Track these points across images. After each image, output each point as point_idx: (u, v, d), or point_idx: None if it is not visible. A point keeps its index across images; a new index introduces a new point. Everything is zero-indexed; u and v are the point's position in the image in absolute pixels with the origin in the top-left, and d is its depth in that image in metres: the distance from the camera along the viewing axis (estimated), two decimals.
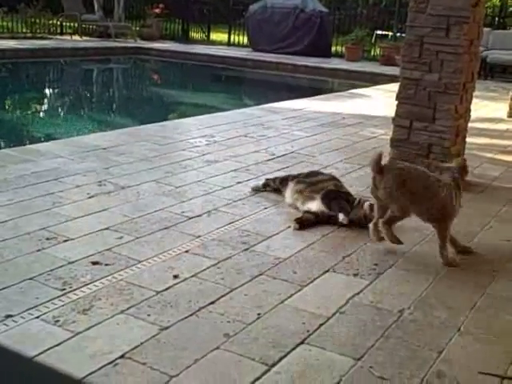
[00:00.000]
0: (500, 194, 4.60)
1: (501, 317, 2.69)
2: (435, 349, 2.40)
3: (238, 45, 17.40)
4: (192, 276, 2.86)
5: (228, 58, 14.75)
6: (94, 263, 2.92)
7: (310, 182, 3.94)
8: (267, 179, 4.25)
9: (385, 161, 3.34)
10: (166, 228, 3.42)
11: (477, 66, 4.98)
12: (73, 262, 2.90)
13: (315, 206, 3.71)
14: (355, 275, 3.00)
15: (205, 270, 2.94)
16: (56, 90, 11.93)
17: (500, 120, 8.07)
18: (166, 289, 2.72)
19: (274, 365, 2.22)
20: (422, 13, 4.60)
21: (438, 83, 4.58)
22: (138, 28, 17.55)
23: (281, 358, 2.26)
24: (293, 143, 5.76)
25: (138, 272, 2.87)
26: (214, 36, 18.81)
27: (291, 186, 3.97)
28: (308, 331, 2.45)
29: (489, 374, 2.26)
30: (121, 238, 3.23)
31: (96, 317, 2.44)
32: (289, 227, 3.57)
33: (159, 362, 2.19)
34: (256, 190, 4.17)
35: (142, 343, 2.30)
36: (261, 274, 2.93)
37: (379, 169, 3.19)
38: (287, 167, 4.86)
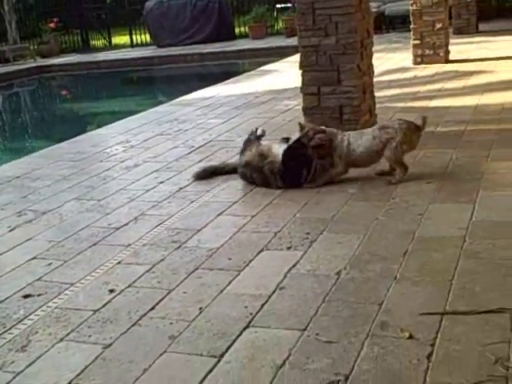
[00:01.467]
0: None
1: (431, 257, 2.77)
2: (376, 302, 2.44)
3: (142, 44, 17.18)
4: (128, 286, 2.81)
5: (133, 59, 14.54)
6: (26, 296, 2.82)
7: None
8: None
9: None
10: (94, 244, 3.35)
11: (370, 22, 5.08)
12: (3, 301, 2.80)
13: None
14: (289, 248, 3.02)
15: (140, 277, 2.89)
16: None
17: (407, 69, 8.27)
18: (104, 305, 2.66)
19: (222, 355, 2.21)
20: None
21: (336, 46, 4.64)
22: (35, 46, 17.04)
23: (228, 347, 2.25)
24: (210, 132, 5.73)
25: (73, 295, 2.80)
26: (116, 40, 18.50)
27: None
28: (251, 314, 2.46)
29: (429, 313, 2.33)
30: (50, 264, 3.14)
31: (35, 351, 2.36)
32: (218, 216, 3.56)
33: (108, 381, 2.14)
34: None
35: (87, 366, 2.24)
36: (196, 269, 2.91)
37: None
38: (208, 156, 4.84)
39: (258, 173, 3.92)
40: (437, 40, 8.43)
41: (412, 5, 8.41)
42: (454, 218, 3.18)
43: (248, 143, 4.22)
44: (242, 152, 4.16)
